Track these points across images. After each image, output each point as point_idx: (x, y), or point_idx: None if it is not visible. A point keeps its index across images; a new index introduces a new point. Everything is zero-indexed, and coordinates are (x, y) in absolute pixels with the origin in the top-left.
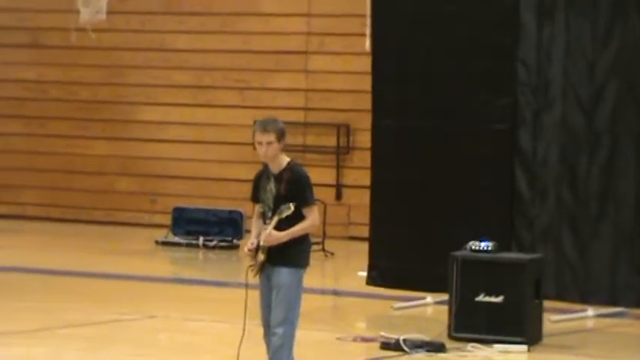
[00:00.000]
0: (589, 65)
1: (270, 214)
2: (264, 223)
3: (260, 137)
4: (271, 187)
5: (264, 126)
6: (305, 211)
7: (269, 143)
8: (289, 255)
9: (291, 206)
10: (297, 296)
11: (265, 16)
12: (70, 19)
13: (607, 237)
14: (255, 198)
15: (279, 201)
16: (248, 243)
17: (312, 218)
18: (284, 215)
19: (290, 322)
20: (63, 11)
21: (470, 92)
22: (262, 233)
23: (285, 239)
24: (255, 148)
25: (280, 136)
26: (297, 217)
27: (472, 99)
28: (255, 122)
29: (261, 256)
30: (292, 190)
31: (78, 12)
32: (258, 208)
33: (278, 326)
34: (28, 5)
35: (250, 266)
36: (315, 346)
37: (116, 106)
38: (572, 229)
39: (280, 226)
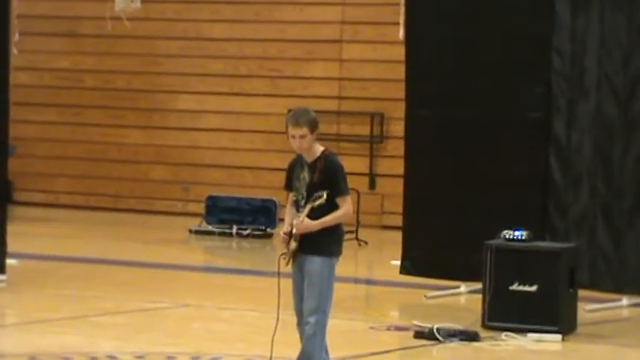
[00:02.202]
0: (624, 55)
1: (303, 202)
2: (298, 211)
3: (293, 131)
4: (305, 175)
5: (297, 119)
6: (338, 200)
7: (302, 136)
8: (322, 243)
9: (324, 194)
10: (330, 285)
11: (300, 4)
12: (105, 8)
13: None
14: (289, 186)
15: (312, 189)
16: (284, 228)
17: (345, 208)
18: (317, 203)
19: (322, 311)
20: (98, 0)
21: (504, 81)
22: (295, 221)
23: (316, 228)
24: (289, 139)
25: (313, 127)
26: (330, 207)
27: (507, 87)
28: (288, 111)
29: (293, 244)
30: (326, 179)
31: (113, 1)
32: (291, 196)
33: (310, 315)
34: None
35: (282, 254)
36: (348, 335)
37: (151, 95)
38: (606, 218)
39: (314, 215)
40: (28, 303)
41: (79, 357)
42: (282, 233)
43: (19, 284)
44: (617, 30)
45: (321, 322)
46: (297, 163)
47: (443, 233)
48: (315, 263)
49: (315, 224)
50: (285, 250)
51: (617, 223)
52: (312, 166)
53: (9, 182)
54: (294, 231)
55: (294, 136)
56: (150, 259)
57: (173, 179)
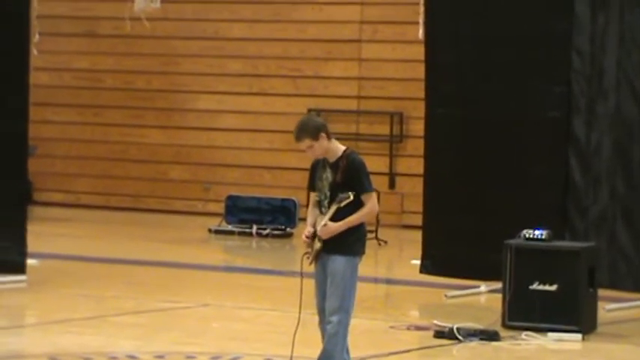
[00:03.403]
0: None
1: (325, 202)
2: (320, 211)
3: (299, 145)
4: (327, 175)
5: (297, 136)
6: (363, 198)
7: (309, 147)
8: (345, 243)
9: (351, 195)
10: (352, 285)
11: (319, 4)
12: (124, 9)
13: None
14: (312, 186)
15: (335, 189)
16: (305, 231)
17: (369, 205)
18: (343, 204)
19: (345, 310)
20: (117, 0)
21: (524, 80)
22: (318, 222)
23: (342, 229)
24: None
25: (315, 135)
26: (355, 205)
27: (526, 87)
28: (308, 111)
29: (317, 244)
30: (349, 178)
31: (132, 1)
32: (313, 196)
33: (332, 314)
34: None
35: (306, 254)
36: (369, 335)
37: (170, 95)
38: (626, 218)
39: (338, 214)
40: (48, 303)
41: (98, 357)
42: (304, 236)
43: (40, 284)
44: (636, 30)
45: (344, 322)
46: (319, 164)
47: (463, 232)
48: (338, 263)
49: (340, 225)
50: (308, 250)
51: (637, 224)
52: (335, 166)
53: (29, 182)
54: (318, 233)
55: (304, 149)
56: (170, 258)
57: (192, 179)
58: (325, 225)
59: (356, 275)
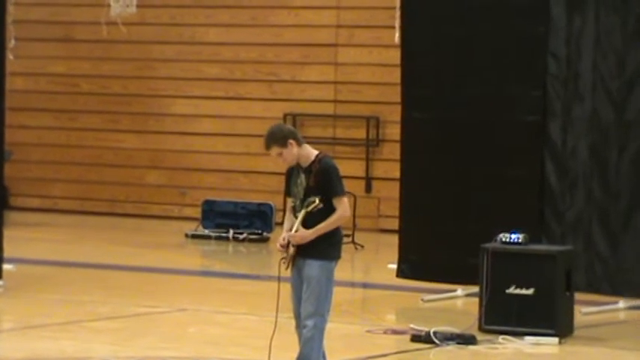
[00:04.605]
0: (619, 58)
1: (299, 207)
2: (295, 217)
3: (269, 152)
4: (301, 180)
5: (265, 144)
6: (334, 202)
7: (279, 154)
8: (320, 248)
9: (317, 200)
10: (328, 289)
11: (295, 8)
12: (100, 13)
13: (638, 229)
14: (288, 192)
15: (308, 194)
16: (280, 238)
17: (340, 211)
18: (310, 209)
19: (320, 314)
20: (94, 5)
21: (500, 84)
22: (292, 231)
23: (312, 237)
24: None
25: (283, 143)
26: (328, 209)
27: (502, 91)
28: (284, 116)
29: (292, 249)
30: (321, 182)
31: (108, 6)
32: (289, 202)
33: (308, 319)
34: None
35: (282, 259)
36: (345, 339)
37: (146, 100)
38: (602, 221)
39: (312, 220)
40: (24, 308)
41: None
42: (278, 245)
43: (16, 289)
44: (611, 33)
45: (319, 326)
46: (294, 169)
47: (439, 236)
48: (313, 267)
49: (311, 233)
50: (284, 255)
51: (613, 227)
52: (308, 171)
53: (5, 188)
54: (289, 238)
55: (274, 156)
56: (146, 263)
57: (169, 184)
58: (296, 231)
59: (332, 280)
